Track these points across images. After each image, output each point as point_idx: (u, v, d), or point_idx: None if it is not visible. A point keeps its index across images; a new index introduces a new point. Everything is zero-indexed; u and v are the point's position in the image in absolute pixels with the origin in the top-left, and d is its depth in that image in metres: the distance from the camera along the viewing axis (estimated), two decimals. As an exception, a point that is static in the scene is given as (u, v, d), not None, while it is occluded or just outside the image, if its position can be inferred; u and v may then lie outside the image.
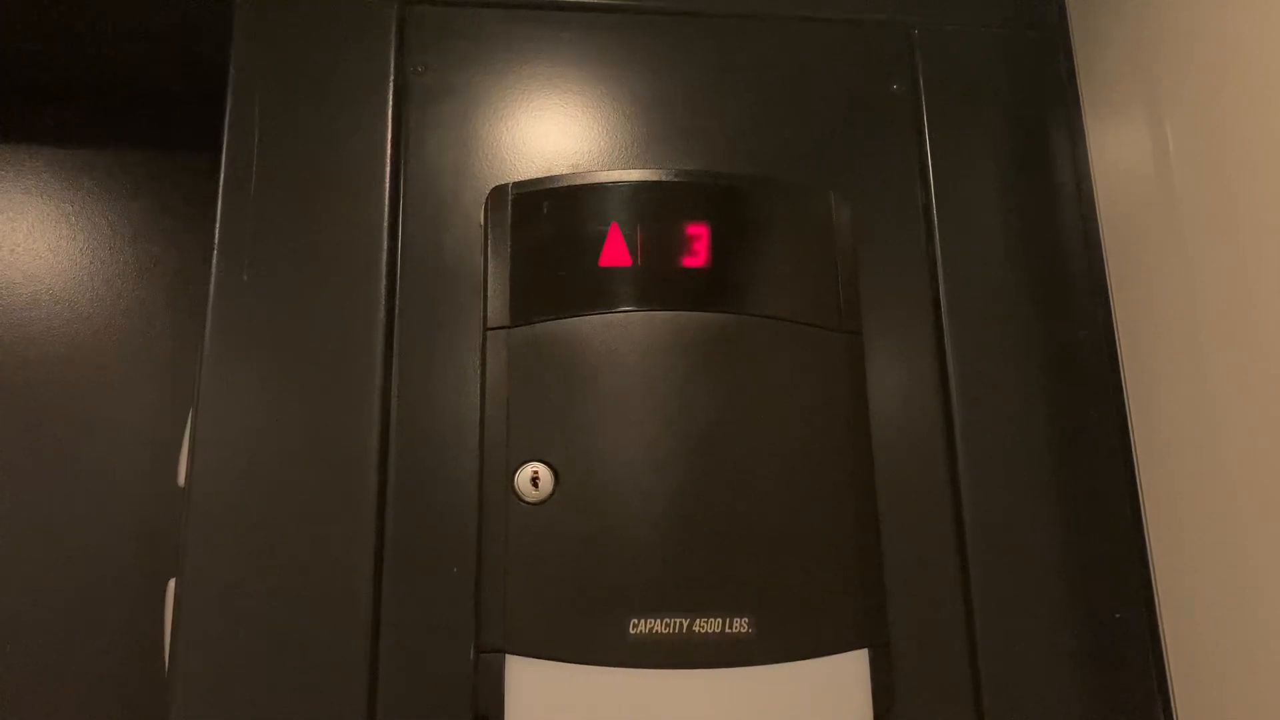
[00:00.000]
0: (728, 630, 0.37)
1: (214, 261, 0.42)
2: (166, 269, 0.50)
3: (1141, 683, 0.41)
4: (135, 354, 0.49)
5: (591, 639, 0.37)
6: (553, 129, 0.46)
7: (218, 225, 0.42)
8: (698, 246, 0.41)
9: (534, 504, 0.38)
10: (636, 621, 0.37)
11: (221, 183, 0.43)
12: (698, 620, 0.37)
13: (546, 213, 0.42)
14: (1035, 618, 0.41)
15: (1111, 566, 0.42)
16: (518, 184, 0.42)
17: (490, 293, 0.41)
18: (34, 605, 0.46)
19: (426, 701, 0.38)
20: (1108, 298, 0.44)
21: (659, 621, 0.37)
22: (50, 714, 0.45)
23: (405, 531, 0.40)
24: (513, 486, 0.39)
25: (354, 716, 0.38)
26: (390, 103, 0.44)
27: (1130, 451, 0.42)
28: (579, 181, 0.42)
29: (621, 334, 0.40)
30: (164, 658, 0.38)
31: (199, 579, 0.38)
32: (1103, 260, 0.45)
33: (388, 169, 0.44)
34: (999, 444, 0.43)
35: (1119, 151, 0.44)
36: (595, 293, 0.41)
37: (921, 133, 0.47)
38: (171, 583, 0.39)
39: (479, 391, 0.41)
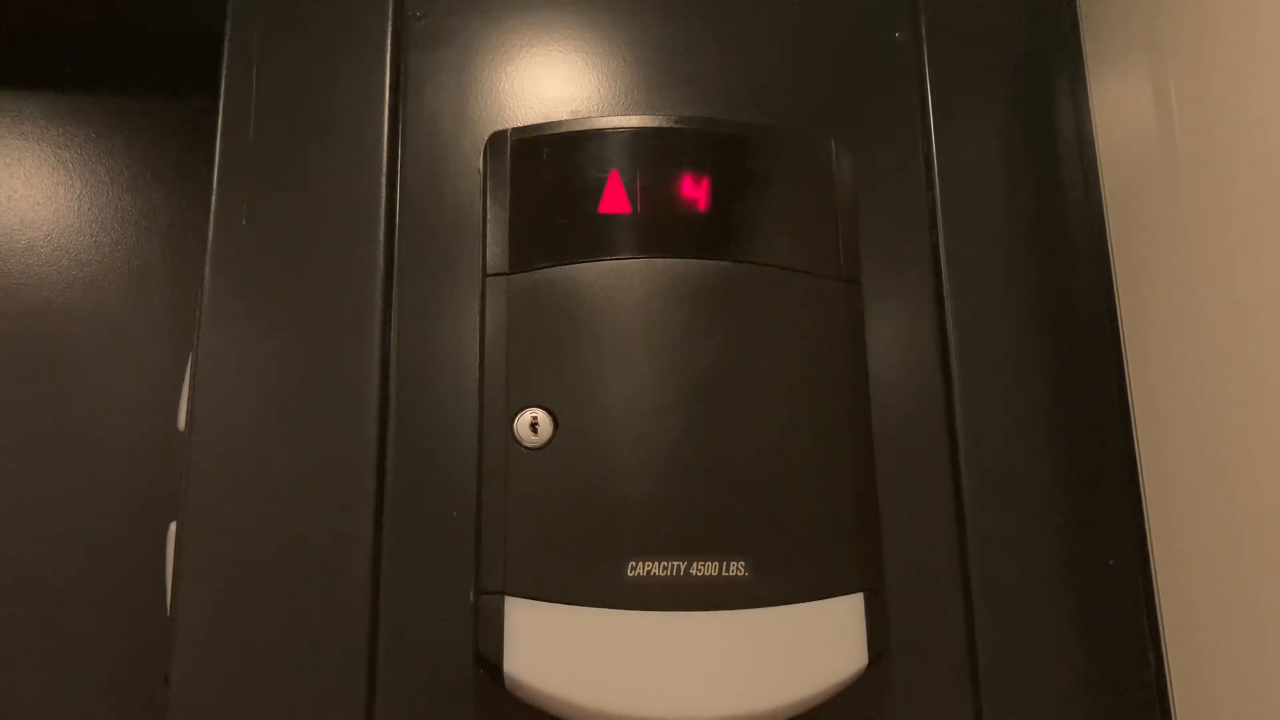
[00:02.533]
0: (724, 573, 0.38)
1: (212, 207, 0.42)
2: (165, 216, 0.50)
3: (1134, 628, 0.41)
4: (134, 301, 0.49)
5: (590, 581, 0.37)
6: (552, 75, 0.45)
7: (216, 170, 0.42)
8: (697, 194, 0.41)
9: (533, 449, 0.39)
10: (634, 564, 0.37)
11: (220, 128, 0.43)
12: (695, 563, 0.37)
13: (546, 159, 0.42)
14: (1030, 564, 0.41)
15: (1107, 515, 0.42)
16: (517, 130, 0.42)
17: (489, 239, 0.41)
18: (33, 552, 0.46)
19: (427, 642, 0.39)
20: (1107, 250, 0.44)
21: (657, 564, 0.37)
22: (48, 659, 0.45)
23: (405, 476, 0.40)
24: (512, 432, 0.39)
25: (354, 658, 0.38)
26: (389, 48, 0.44)
27: (1127, 404, 0.43)
28: (578, 127, 0.42)
29: (621, 281, 0.40)
30: (166, 601, 0.38)
31: (200, 522, 0.39)
32: (1103, 212, 0.45)
33: (386, 114, 0.43)
34: (996, 393, 0.43)
35: (1121, 103, 0.44)
36: (595, 240, 0.41)
37: (923, 81, 0.46)
38: (172, 526, 0.39)
39: (478, 338, 0.41)
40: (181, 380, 0.42)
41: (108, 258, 0.49)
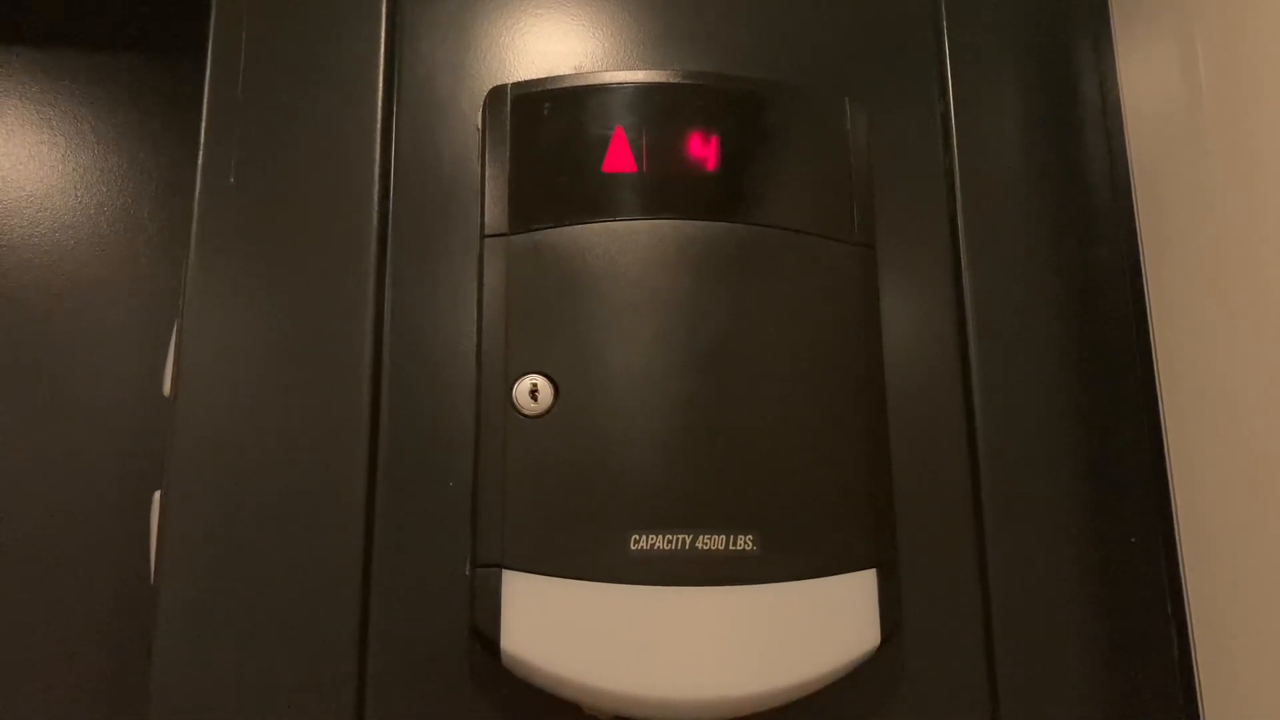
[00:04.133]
0: (731, 547, 0.36)
1: (200, 164, 0.40)
2: (152, 175, 0.48)
3: (1156, 607, 0.40)
4: (120, 262, 0.47)
5: (591, 554, 0.36)
6: (555, 28, 0.43)
7: (204, 127, 0.40)
8: (706, 152, 0.40)
9: (533, 417, 0.37)
10: (638, 537, 0.36)
11: (207, 83, 0.41)
12: (701, 537, 0.36)
13: (547, 115, 0.40)
14: (1048, 541, 0.40)
15: (1128, 492, 0.41)
16: (517, 84, 0.40)
17: (488, 199, 0.39)
18: (15, 515, 0.44)
19: (421, 617, 0.37)
20: (1132, 216, 0.43)
21: (661, 537, 0.36)
22: (33, 625, 0.44)
23: (399, 444, 0.39)
24: (511, 399, 0.37)
25: (346, 631, 0.37)
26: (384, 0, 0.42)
27: (1152, 375, 0.41)
28: (582, 82, 0.40)
29: (625, 242, 0.38)
30: (150, 570, 0.37)
31: (184, 490, 0.37)
32: (1129, 177, 0.43)
33: (381, 70, 0.41)
34: (1014, 362, 0.41)
35: (1148, 65, 0.42)
36: (598, 200, 0.39)
37: (941, 39, 0.45)
38: (157, 495, 0.38)
39: (476, 301, 0.39)
40: (168, 344, 0.40)
41: (93, 219, 0.47)
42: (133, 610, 0.43)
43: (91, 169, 0.48)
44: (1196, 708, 0.37)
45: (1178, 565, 0.39)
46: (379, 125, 0.41)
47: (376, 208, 0.40)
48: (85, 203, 0.47)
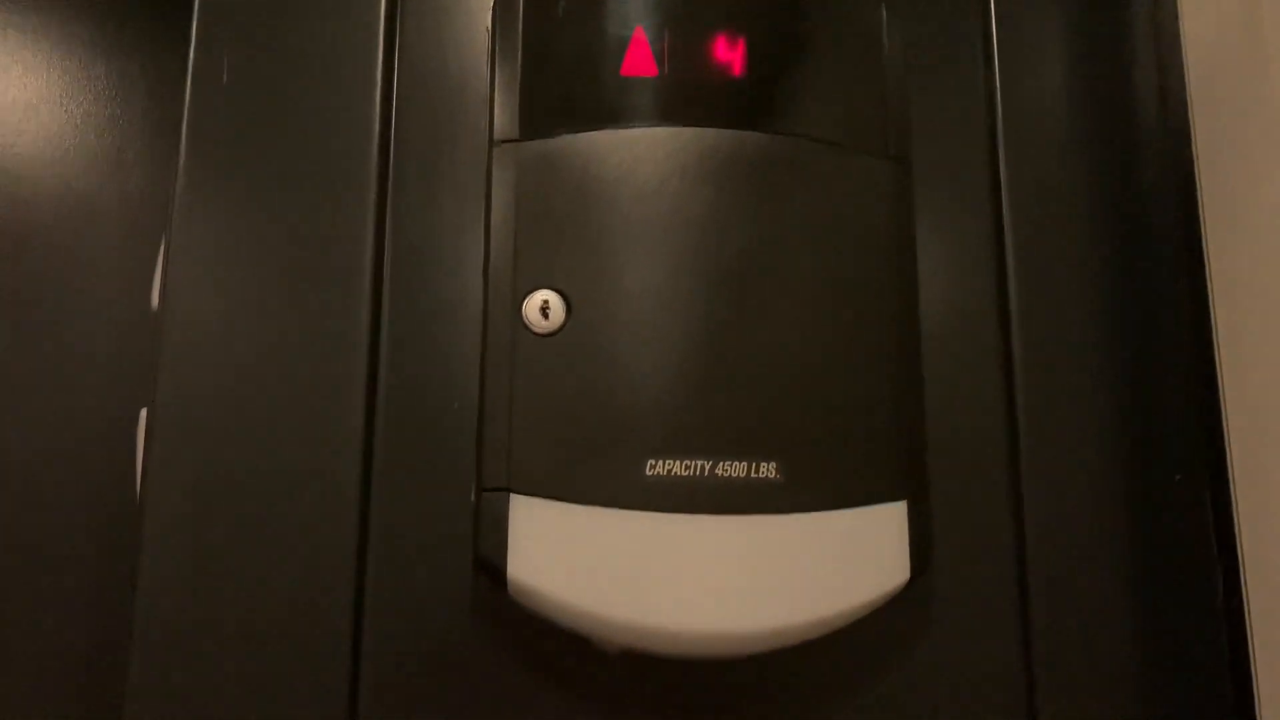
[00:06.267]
0: (754, 475, 0.34)
1: (189, 63, 0.37)
2: (141, 87, 0.46)
3: (1200, 548, 0.37)
4: (107, 178, 0.45)
5: (604, 479, 0.34)
6: (571, -77, 0.41)
7: (194, 23, 0.38)
8: (732, 56, 0.37)
9: (543, 335, 0.35)
10: (654, 462, 0.34)
11: (199, -21, 0.38)
12: (721, 463, 0.34)
13: (562, 14, 0.37)
14: (1085, 477, 0.38)
15: (1175, 422, 0.38)
16: (530, -19, 0.38)
17: (498, 103, 0.37)
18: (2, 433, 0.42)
19: (422, 544, 0.35)
20: (1188, 137, 0.40)
21: (678, 463, 0.34)
22: (18, 543, 0.42)
23: (400, 363, 0.36)
24: (520, 316, 0.35)
25: (344, 558, 0.35)
26: (388, -109, 0.39)
27: (1206, 302, 0.38)
28: (600, -22, 0.38)
29: (644, 151, 0.36)
30: (135, 488, 0.34)
31: (172, 409, 0.35)
32: (1182, 95, 0.40)
33: (384, -35, 0.39)
34: (1054, 285, 0.39)
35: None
36: (616, 105, 0.36)
37: (984, -55, 0.42)
38: (143, 412, 0.36)
39: (484, 212, 0.37)
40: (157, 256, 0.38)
41: (79, 130, 0.45)
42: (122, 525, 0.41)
43: (79, 78, 0.45)
44: (1246, 650, 0.35)
45: (1229, 506, 0.36)
46: (382, 24, 0.38)
47: (379, 113, 0.38)
48: (71, 112, 0.45)
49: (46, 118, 0.45)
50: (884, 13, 0.39)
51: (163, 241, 0.37)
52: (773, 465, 0.34)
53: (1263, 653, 0.35)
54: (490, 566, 0.33)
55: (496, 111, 0.37)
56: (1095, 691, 0.36)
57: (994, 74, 0.41)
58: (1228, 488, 0.36)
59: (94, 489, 0.42)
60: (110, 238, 0.44)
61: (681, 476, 0.34)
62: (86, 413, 0.42)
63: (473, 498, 0.35)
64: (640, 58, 0.37)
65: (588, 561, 0.33)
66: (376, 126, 0.38)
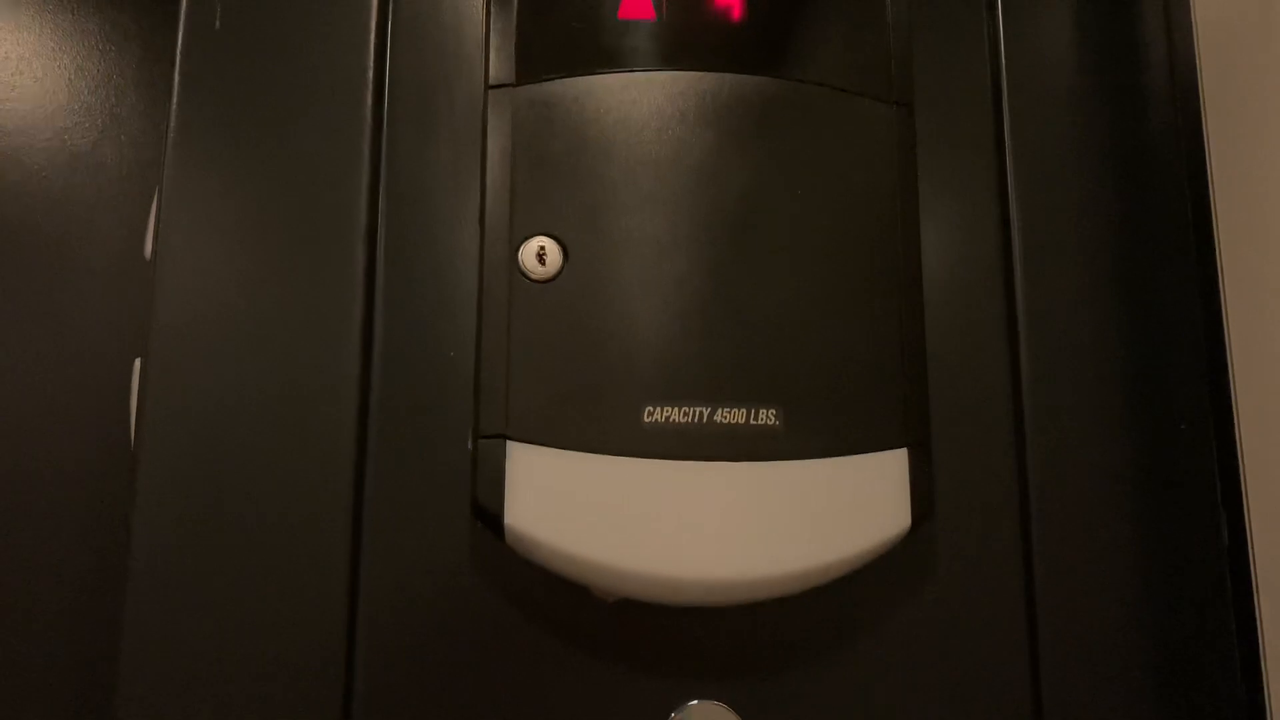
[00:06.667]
0: (753, 421, 0.33)
1: (182, 8, 0.37)
2: (135, 40, 0.45)
3: (1204, 498, 0.37)
4: (103, 129, 0.44)
5: (602, 426, 0.33)
6: None
7: (185, -32, 0.37)
8: (731, 1, 0.36)
9: (540, 281, 0.34)
10: (652, 409, 0.33)
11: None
12: (720, 410, 0.33)
13: (559, -44, 0.37)
14: (1089, 424, 0.37)
15: (1181, 369, 0.38)
16: (526, -78, 0.37)
17: (493, 47, 0.36)
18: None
19: (418, 491, 0.35)
20: (1196, 88, 0.39)
21: (677, 409, 0.33)
22: (10, 496, 0.42)
23: (396, 311, 0.36)
24: (517, 262, 0.34)
25: (340, 507, 0.34)
26: None
27: (1214, 255, 0.37)
28: (597, -81, 0.37)
29: (642, 95, 0.35)
30: (130, 437, 0.34)
31: (165, 354, 0.35)
32: (1193, 51, 0.39)
33: (378, -90, 0.38)
34: (1058, 231, 0.38)
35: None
36: (613, 48, 0.36)
37: (989, -113, 0.41)
38: (137, 362, 0.35)
39: (479, 157, 0.36)
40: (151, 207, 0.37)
41: (71, 83, 0.44)
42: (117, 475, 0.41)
43: (72, 32, 0.45)
44: (1251, 596, 0.34)
45: (1234, 455, 0.36)
46: (375, -32, 0.38)
47: (373, 59, 0.37)
48: (64, 65, 0.44)
49: (40, 72, 0.44)
50: (886, -45, 0.38)
51: (156, 190, 0.36)
52: (772, 411, 0.34)
53: (1267, 594, 0.34)
54: (487, 514, 0.33)
55: (492, 56, 0.36)
56: (1097, 636, 0.35)
57: (997, 18, 0.40)
58: (1233, 433, 0.36)
59: (91, 440, 0.41)
60: (107, 190, 0.44)
61: (680, 423, 0.33)
62: (82, 365, 0.42)
63: (470, 445, 0.34)
64: (637, 1, 0.36)
65: (585, 509, 0.33)
66: (371, 73, 0.37)
